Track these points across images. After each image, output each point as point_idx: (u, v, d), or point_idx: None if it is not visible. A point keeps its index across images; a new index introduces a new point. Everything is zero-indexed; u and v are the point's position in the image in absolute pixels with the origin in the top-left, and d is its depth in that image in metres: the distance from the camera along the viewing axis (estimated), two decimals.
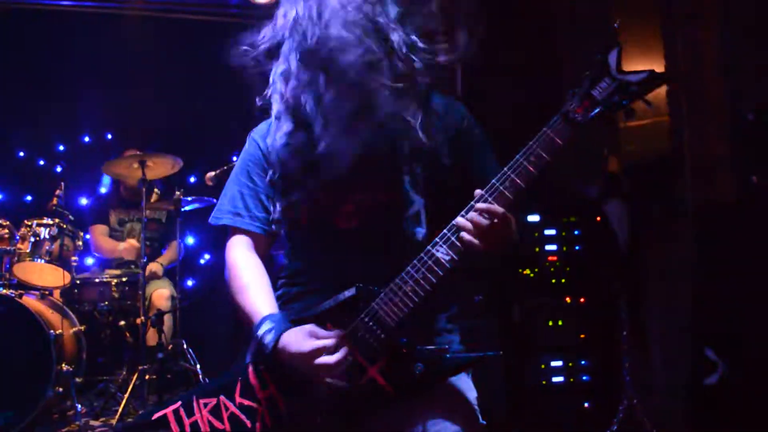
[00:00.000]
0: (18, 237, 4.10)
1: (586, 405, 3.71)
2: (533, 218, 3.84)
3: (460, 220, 1.50)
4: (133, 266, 4.78)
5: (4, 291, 3.87)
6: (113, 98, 5.45)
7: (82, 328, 4.19)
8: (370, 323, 1.52)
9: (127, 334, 4.37)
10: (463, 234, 1.48)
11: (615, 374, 3.56)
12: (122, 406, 3.80)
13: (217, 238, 5.44)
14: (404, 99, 1.58)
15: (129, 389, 3.88)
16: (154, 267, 4.70)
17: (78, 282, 4.40)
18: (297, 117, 1.64)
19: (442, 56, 1.64)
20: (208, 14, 5.54)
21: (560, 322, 3.78)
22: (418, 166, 1.62)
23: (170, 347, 4.31)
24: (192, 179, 5.68)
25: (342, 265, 1.62)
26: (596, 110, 1.49)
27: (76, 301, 4.39)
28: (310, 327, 1.54)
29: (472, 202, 1.51)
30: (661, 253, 3.77)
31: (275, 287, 1.75)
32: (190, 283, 5.62)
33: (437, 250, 1.50)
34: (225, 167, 4.14)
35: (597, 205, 3.82)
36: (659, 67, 3.73)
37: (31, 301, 3.92)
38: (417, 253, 1.53)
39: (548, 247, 3.83)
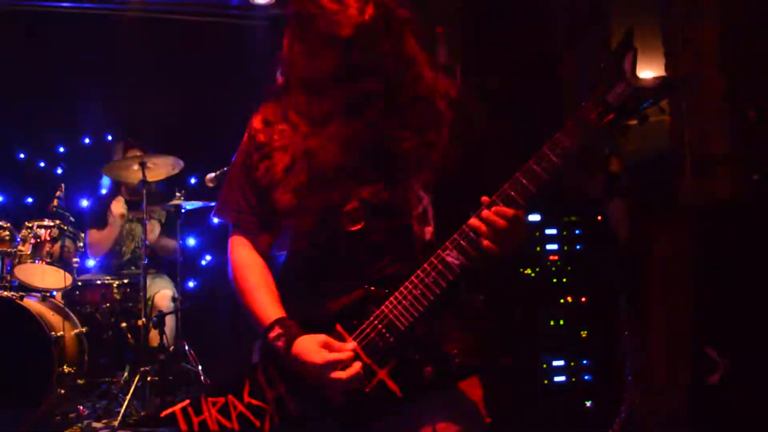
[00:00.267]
0: (19, 239, 4.10)
1: (588, 404, 3.71)
2: (534, 218, 3.83)
3: (475, 222, 1.48)
4: (133, 267, 4.77)
5: (5, 293, 3.87)
6: (114, 99, 5.45)
7: (84, 329, 4.19)
8: (380, 327, 1.51)
9: (129, 336, 4.37)
10: (480, 238, 1.47)
11: (617, 374, 3.56)
12: (124, 407, 3.80)
13: (218, 239, 5.46)
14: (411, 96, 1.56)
15: (131, 391, 3.88)
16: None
17: (79, 283, 4.40)
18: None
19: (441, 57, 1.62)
20: (209, 15, 5.55)
21: (562, 322, 3.78)
22: (424, 163, 1.58)
23: (172, 348, 4.31)
24: (192, 180, 5.68)
25: (348, 265, 1.60)
26: (611, 116, 1.46)
27: (78, 302, 4.38)
28: (323, 338, 1.52)
29: (483, 206, 1.48)
30: (662, 252, 3.77)
31: (277, 288, 1.72)
32: (191, 284, 5.62)
33: (447, 255, 1.49)
34: (225, 168, 4.14)
35: (598, 204, 3.82)
36: (659, 67, 3.73)
37: (32, 303, 3.92)
38: (425, 254, 1.52)
39: (549, 247, 3.83)
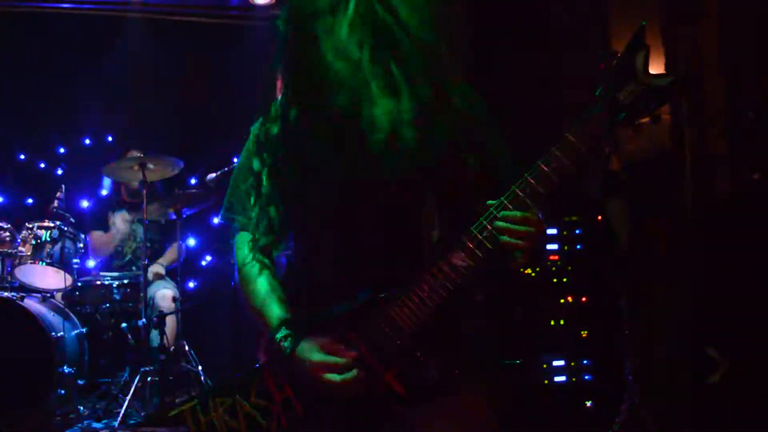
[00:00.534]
0: (19, 240, 4.10)
1: (588, 404, 3.71)
2: None
3: (483, 224, 1.46)
4: (134, 268, 4.78)
5: (6, 294, 3.88)
6: (114, 100, 5.46)
7: (84, 330, 4.20)
8: (386, 329, 1.50)
9: (129, 336, 4.37)
10: (490, 240, 1.45)
11: (617, 374, 3.56)
12: (124, 408, 3.81)
13: (219, 240, 5.46)
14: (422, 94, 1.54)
15: (131, 391, 3.89)
16: (156, 269, 4.71)
17: (79, 284, 4.41)
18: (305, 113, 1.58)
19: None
20: (209, 16, 5.55)
21: (562, 322, 3.78)
22: (431, 162, 1.55)
23: (172, 349, 4.31)
24: (192, 181, 5.68)
25: (355, 268, 1.58)
26: (622, 116, 1.42)
27: (78, 303, 4.39)
28: (325, 341, 1.52)
29: (491, 209, 1.47)
30: (662, 252, 3.77)
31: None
32: (191, 284, 5.62)
33: (455, 257, 1.48)
34: (226, 169, 4.14)
35: (598, 204, 3.82)
36: (659, 67, 3.73)
37: (32, 303, 3.92)
38: (431, 255, 1.51)
39: (549, 247, 3.83)
